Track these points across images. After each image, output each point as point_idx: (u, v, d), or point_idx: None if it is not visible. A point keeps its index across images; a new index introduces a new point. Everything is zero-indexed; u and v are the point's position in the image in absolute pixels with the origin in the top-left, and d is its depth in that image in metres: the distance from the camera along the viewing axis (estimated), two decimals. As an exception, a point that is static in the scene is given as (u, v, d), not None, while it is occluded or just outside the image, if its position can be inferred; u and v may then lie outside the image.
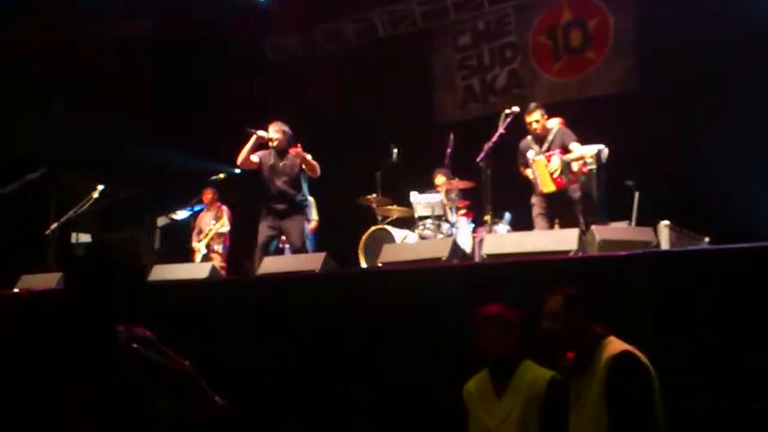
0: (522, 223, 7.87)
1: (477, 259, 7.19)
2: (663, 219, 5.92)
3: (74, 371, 2.68)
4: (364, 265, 8.61)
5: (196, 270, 6.90)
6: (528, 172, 7.44)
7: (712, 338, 4.00)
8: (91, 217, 9.09)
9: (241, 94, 11.43)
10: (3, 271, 7.33)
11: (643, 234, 5.54)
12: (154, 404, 2.80)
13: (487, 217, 7.19)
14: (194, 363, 2.90)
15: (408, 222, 9.22)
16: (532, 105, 7.63)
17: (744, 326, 3.97)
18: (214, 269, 6.84)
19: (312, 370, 5.22)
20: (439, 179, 9.13)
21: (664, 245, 5.65)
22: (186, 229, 9.67)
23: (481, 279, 5.02)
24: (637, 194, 7.58)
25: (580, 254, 5.15)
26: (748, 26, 8.49)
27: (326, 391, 5.10)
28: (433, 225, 8.67)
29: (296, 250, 7.30)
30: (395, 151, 9.37)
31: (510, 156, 7.58)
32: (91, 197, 8.35)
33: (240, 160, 7.43)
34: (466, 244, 8.28)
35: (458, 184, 8.67)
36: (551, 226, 7.14)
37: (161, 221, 9.49)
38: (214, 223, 9.31)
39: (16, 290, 6.93)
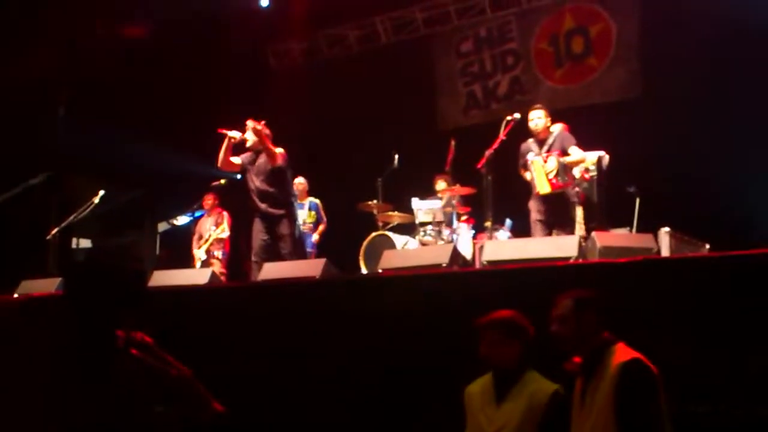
0: (523, 229, 7.86)
1: (477, 265, 7.18)
2: (664, 225, 5.92)
3: (74, 376, 2.68)
4: (364, 271, 8.61)
5: (196, 276, 6.90)
6: (526, 174, 7.43)
7: (713, 345, 4.00)
8: (92, 222, 9.09)
9: (244, 99, 11.44)
10: (3, 277, 7.33)
11: (644, 241, 5.55)
12: (153, 409, 2.80)
13: (488, 224, 7.20)
14: (193, 369, 2.90)
15: (409, 228, 9.22)
16: (537, 105, 7.67)
17: (744, 332, 3.96)
18: (214, 275, 6.84)
19: (312, 376, 5.21)
20: (440, 185, 9.14)
21: (665, 252, 5.65)
22: (187, 235, 9.67)
23: (482, 285, 5.02)
24: (638, 200, 7.58)
25: (580, 261, 5.15)
26: (750, 33, 8.51)
27: (326, 397, 5.09)
28: (433, 231, 8.68)
29: (290, 255, 7.25)
30: (396, 157, 9.38)
31: (511, 163, 7.58)
32: (92, 202, 8.36)
33: (219, 162, 7.39)
34: (466, 250, 8.27)
35: (459, 190, 8.67)
36: (549, 233, 7.13)
37: (162, 226, 9.50)
38: (214, 229, 9.30)
39: (16, 295, 6.93)
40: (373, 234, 9.06)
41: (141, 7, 10.56)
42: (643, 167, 8.52)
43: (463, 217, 8.93)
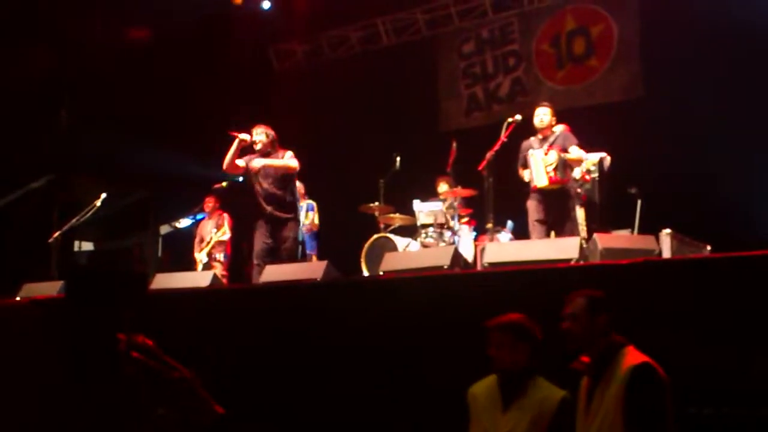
0: (524, 231, 7.84)
1: (479, 267, 7.18)
2: (665, 227, 5.91)
3: (74, 379, 2.68)
4: (366, 273, 8.60)
5: (198, 278, 6.90)
6: (525, 173, 7.40)
7: (714, 346, 3.99)
8: (94, 225, 9.10)
9: (246, 101, 11.45)
10: (6, 280, 7.33)
11: (646, 242, 5.55)
12: (155, 412, 2.80)
13: (490, 226, 7.19)
14: (195, 371, 2.90)
15: (410, 230, 9.20)
16: (544, 102, 7.67)
17: (746, 334, 3.96)
18: (215, 278, 6.84)
19: (313, 378, 5.21)
20: (442, 187, 9.12)
21: (666, 253, 5.64)
22: (188, 238, 9.68)
23: (483, 287, 5.02)
24: (639, 202, 7.57)
25: (581, 263, 5.15)
26: (752, 33, 8.49)
27: (328, 400, 5.09)
28: (435, 233, 8.66)
29: (292, 258, 7.26)
30: (398, 159, 9.37)
31: (512, 165, 7.57)
32: (95, 205, 8.37)
33: (225, 164, 7.39)
34: (468, 252, 8.26)
35: (461, 192, 8.66)
36: (548, 234, 7.11)
37: (164, 229, 9.51)
38: (215, 231, 9.30)
39: (18, 298, 6.93)
40: (375, 236, 9.05)
41: (144, 9, 10.56)
42: (645, 169, 8.51)
43: (465, 219, 8.93)
